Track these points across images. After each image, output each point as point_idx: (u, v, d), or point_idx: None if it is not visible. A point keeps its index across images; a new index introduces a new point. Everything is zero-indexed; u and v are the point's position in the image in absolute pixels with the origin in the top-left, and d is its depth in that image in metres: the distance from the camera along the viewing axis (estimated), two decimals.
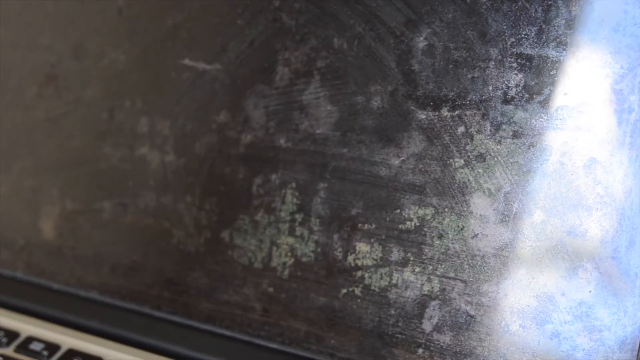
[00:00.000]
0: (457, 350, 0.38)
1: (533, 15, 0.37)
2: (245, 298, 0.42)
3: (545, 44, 0.37)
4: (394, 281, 0.40)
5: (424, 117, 0.39)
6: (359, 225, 0.40)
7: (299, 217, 0.41)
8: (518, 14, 0.37)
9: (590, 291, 0.36)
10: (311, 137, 0.41)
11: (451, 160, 0.39)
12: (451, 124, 0.39)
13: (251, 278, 0.42)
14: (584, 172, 0.37)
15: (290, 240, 0.41)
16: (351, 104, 0.40)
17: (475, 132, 0.38)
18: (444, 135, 0.39)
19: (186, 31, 0.44)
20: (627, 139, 0.36)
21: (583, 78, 0.36)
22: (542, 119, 0.37)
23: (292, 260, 0.42)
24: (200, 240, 0.43)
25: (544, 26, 0.37)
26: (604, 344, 0.36)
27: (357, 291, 0.40)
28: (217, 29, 0.43)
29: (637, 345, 0.36)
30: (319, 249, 0.41)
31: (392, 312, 0.40)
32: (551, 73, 0.37)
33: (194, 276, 0.43)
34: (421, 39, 0.39)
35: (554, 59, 0.37)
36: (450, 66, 0.39)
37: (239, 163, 0.43)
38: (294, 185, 0.42)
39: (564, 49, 0.37)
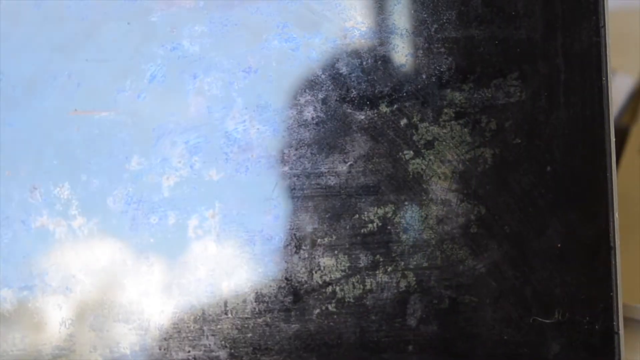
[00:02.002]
0: (448, 336, 0.39)
1: (450, 0, 0.39)
2: (207, 349, 0.39)
3: (467, 25, 0.39)
4: (368, 287, 0.39)
5: (363, 117, 0.39)
6: (318, 240, 0.39)
7: (249, 248, 0.39)
8: (436, 1, 0.39)
9: (558, 245, 0.39)
10: (245, 162, 0.39)
11: (400, 153, 0.39)
12: (392, 118, 0.39)
13: (208, 327, 0.39)
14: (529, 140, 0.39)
15: None
16: (283, 120, 0.39)
17: (418, 121, 0.39)
18: (388, 131, 0.39)
19: (76, 79, 0.39)
20: (561, 99, 0.39)
21: (512, 52, 0.39)
22: (480, 96, 0.39)
23: (252, 294, 0.39)
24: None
25: (462, 8, 0.39)
26: None
27: (331, 307, 0.39)
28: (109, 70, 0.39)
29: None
30: (279, 276, 0.39)
31: (373, 317, 0.39)
32: (479, 51, 0.39)
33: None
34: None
35: (479, 37, 0.39)
36: (379, 62, 0.39)
37: (167, 208, 0.39)
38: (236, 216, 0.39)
39: (487, 27, 0.39)
